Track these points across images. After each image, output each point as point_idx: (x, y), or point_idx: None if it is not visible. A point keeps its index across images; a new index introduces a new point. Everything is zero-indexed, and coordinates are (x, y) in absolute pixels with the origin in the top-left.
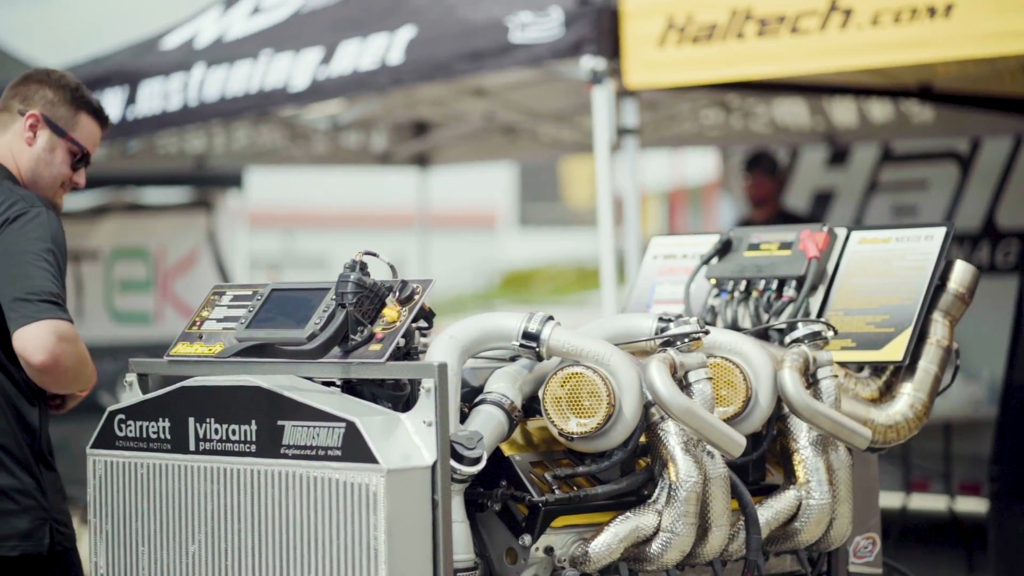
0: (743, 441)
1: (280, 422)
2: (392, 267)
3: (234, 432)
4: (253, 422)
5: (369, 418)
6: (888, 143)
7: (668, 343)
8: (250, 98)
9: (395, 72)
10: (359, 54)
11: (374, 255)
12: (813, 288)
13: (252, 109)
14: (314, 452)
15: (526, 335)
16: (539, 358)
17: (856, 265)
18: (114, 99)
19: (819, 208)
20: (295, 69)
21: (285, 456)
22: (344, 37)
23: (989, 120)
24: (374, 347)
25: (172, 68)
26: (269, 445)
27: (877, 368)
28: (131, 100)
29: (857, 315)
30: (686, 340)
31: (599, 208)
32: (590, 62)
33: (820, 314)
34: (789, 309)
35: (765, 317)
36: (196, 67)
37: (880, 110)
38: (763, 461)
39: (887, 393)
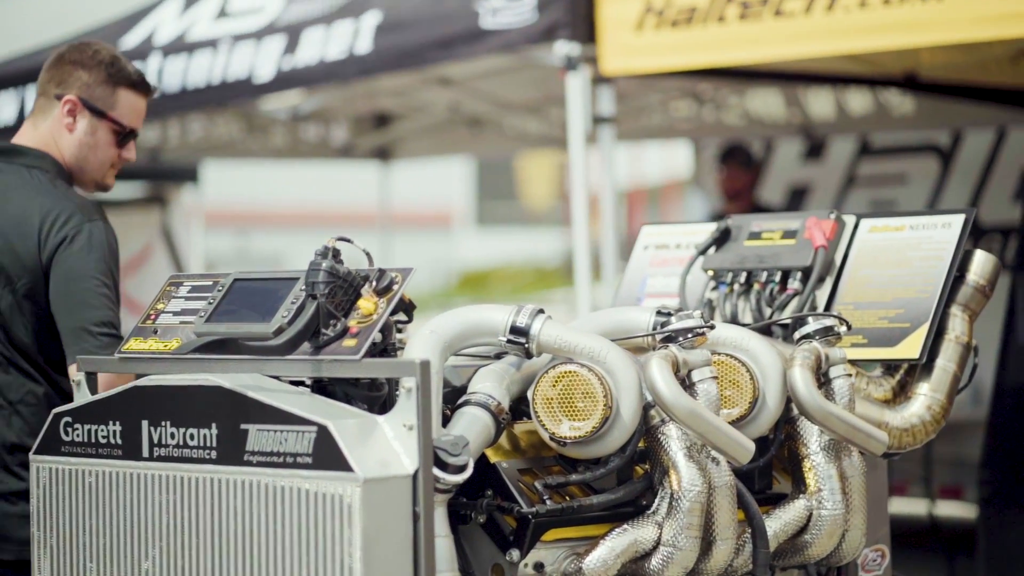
0: (752, 446)
1: (243, 426)
2: (368, 254)
3: (192, 437)
4: (213, 426)
5: (343, 421)
6: (866, 136)
7: (669, 339)
8: (212, 90)
9: (363, 61)
10: (325, 42)
11: (347, 240)
12: (820, 280)
13: (215, 101)
14: (281, 459)
15: (514, 329)
16: (528, 355)
17: (867, 255)
18: None
19: (794, 203)
20: (259, 59)
21: (249, 463)
22: (308, 24)
23: (972, 111)
24: (348, 343)
25: (129, 58)
26: (231, 451)
27: (890, 367)
28: None
29: (868, 309)
30: (689, 336)
31: (573, 202)
32: (564, 47)
33: (828, 308)
34: (794, 303)
35: (768, 311)
36: (153, 56)
37: (859, 101)
38: (770, 468)
39: (901, 394)
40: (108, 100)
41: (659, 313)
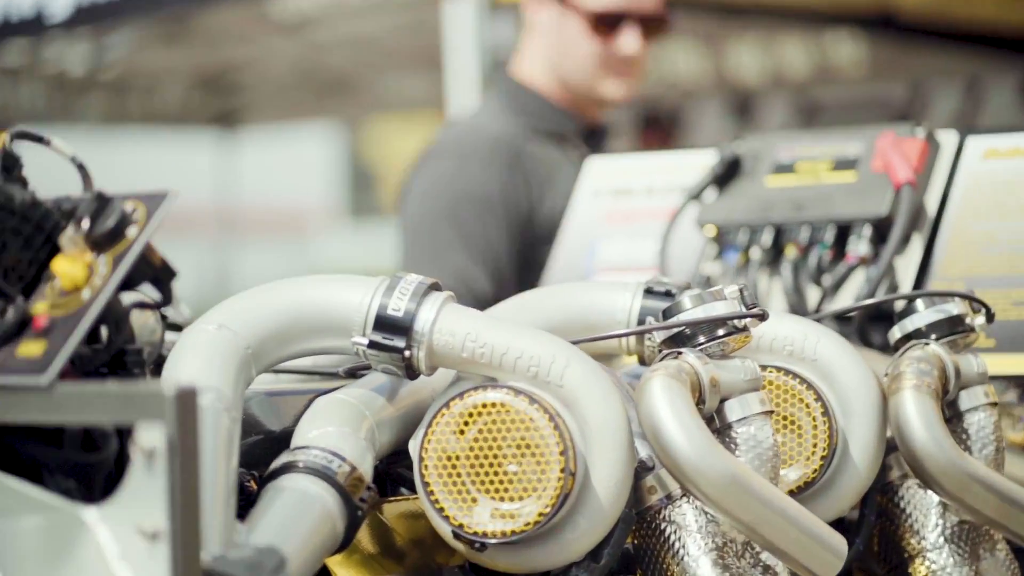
0: (845, 548)
1: None
2: (81, 166)
3: None
4: None
5: (12, 522)
6: (805, 95)
7: (681, 339)
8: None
9: None
10: None
11: (38, 139)
12: (904, 239)
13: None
14: None
15: (382, 322)
16: (411, 372)
17: (983, 198)
18: None
19: None
20: None
21: None
22: None
23: (936, 61)
24: (29, 348)
25: None
26: None
27: None
28: None
29: (992, 288)
30: (721, 334)
31: None
32: None
33: (919, 287)
34: (858, 279)
35: (815, 293)
36: None
37: (799, 55)
38: (849, 572)
39: None
40: None
41: (650, 292)
